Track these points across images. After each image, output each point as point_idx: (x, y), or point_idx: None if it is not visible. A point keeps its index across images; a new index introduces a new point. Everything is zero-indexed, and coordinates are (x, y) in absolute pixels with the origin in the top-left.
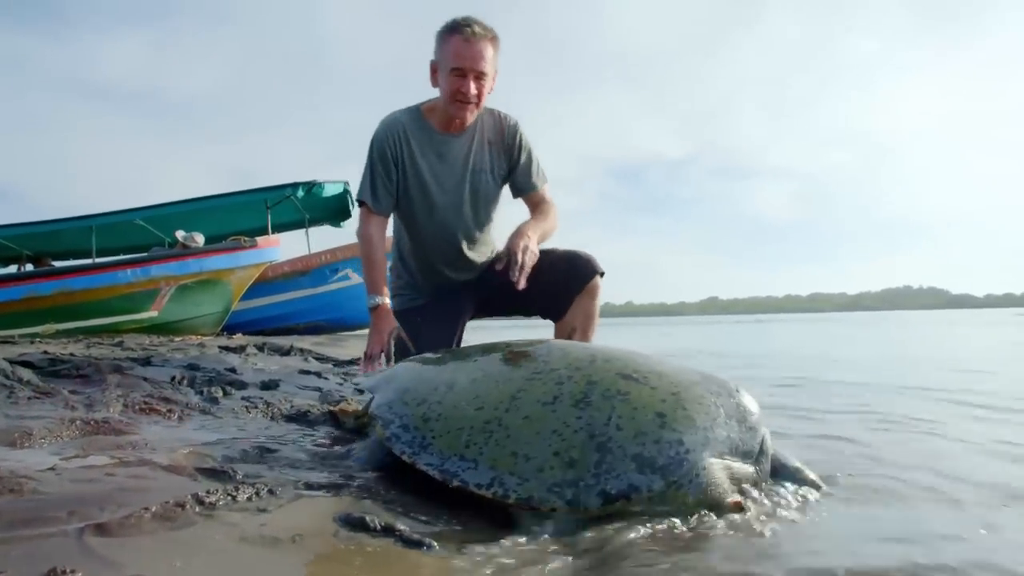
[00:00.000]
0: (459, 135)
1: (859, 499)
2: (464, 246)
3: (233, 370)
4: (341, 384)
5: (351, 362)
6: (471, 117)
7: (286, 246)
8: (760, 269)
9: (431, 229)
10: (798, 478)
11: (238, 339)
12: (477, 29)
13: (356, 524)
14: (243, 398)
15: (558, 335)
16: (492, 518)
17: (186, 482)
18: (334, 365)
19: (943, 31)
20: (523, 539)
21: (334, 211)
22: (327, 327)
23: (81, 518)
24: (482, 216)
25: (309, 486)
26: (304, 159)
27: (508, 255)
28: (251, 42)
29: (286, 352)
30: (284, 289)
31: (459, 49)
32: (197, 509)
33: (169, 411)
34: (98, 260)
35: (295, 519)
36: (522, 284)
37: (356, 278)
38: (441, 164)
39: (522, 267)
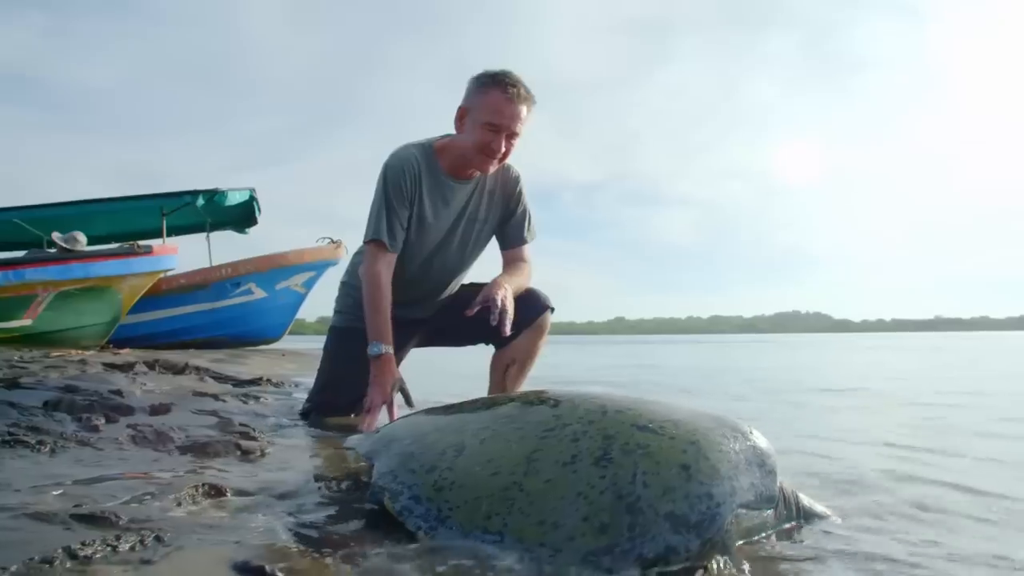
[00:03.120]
0: (465, 183)
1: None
2: (440, 287)
3: (119, 392)
4: (243, 404)
5: (252, 382)
6: (490, 171)
7: (185, 254)
8: (664, 292)
9: (413, 267)
10: (812, 514)
11: (126, 355)
12: (522, 91)
13: (254, 573)
14: (129, 426)
15: (496, 363)
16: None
17: (57, 531)
18: (234, 385)
19: (831, 85)
20: None
21: (238, 217)
22: (227, 343)
23: None
24: (464, 262)
25: (204, 529)
26: (209, 164)
27: (488, 302)
28: (157, 39)
29: (180, 370)
30: (180, 303)
31: (499, 105)
32: (68, 564)
33: (39, 443)
34: None
35: (185, 570)
36: (508, 330)
37: (259, 292)
38: (444, 208)
39: (503, 312)
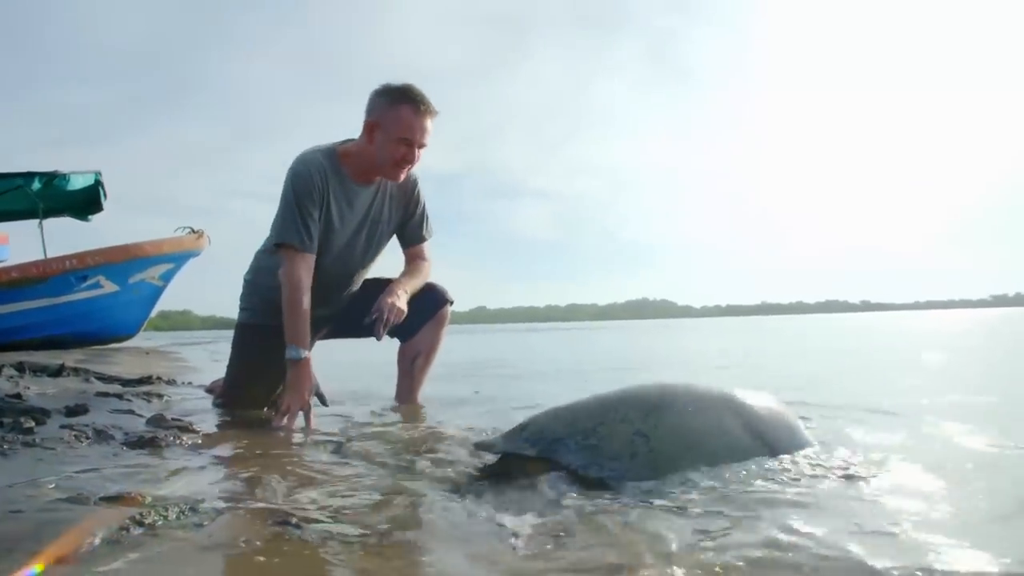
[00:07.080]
0: (368, 187)
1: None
2: (345, 286)
3: (17, 396)
4: (148, 402)
5: (143, 381)
6: (401, 180)
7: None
8: (524, 282)
9: (321, 269)
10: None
11: None
12: (430, 106)
13: (294, 525)
14: (64, 427)
15: (403, 355)
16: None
17: (99, 510)
18: (123, 385)
19: (670, 89)
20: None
21: (80, 203)
22: (71, 342)
23: (28, 554)
24: (368, 261)
25: (218, 500)
26: (26, 141)
27: (377, 311)
28: None
29: (56, 372)
30: (11, 298)
31: (411, 121)
32: (140, 531)
33: None
34: None
35: (235, 528)
36: (382, 338)
37: (110, 286)
38: (349, 211)
39: (386, 323)
